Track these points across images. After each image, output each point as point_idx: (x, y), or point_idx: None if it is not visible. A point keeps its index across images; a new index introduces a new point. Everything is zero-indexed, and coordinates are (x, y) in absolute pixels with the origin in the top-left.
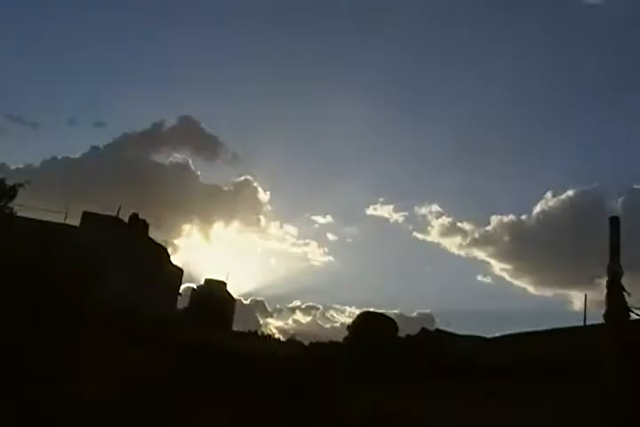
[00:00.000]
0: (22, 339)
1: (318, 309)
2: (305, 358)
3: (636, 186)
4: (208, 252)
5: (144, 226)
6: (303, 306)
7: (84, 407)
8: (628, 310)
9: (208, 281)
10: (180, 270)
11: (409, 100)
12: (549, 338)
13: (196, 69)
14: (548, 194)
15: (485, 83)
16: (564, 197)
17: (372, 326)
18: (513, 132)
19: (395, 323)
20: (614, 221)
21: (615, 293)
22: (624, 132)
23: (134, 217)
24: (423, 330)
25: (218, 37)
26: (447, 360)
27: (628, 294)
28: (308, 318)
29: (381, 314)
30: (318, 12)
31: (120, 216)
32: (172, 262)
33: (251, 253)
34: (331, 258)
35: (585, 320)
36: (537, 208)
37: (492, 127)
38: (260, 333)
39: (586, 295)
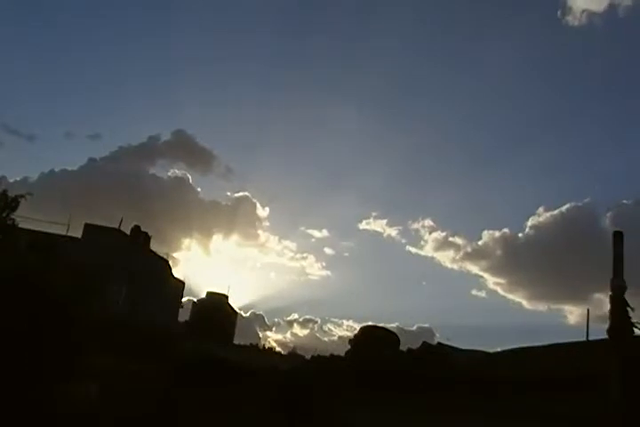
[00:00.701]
0: (21, 353)
1: (316, 322)
2: (307, 371)
3: (625, 201)
4: (206, 265)
5: (146, 238)
6: (301, 319)
7: (82, 422)
8: (632, 324)
9: (210, 294)
10: (182, 283)
11: (402, 116)
12: (551, 353)
13: (192, 84)
14: (541, 209)
15: (478, 101)
16: (556, 212)
17: (373, 339)
18: (504, 149)
19: (397, 337)
20: (618, 236)
21: (619, 307)
22: (614, 147)
23: (136, 229)
24: (425, 344)
25: (214, 52)
26: (449, 374)
27: (632, 309)
28: (306, 331)
29: (383, 328)
30: (313, 24)
31: (121, 228)
32: (173, 275)
33: (249, 266)
34: (328, 272)
35: (587, 335)
36: (530, 223)
37: (484, 144)
38: (261, 346)
39: (589, 310)
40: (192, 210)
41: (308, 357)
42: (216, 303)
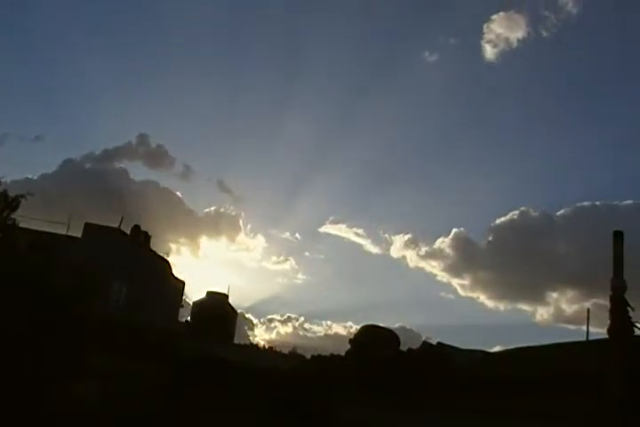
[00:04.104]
0: (21, 353)
1: (298, 319)
2: (307, 371)
3: (579, 204)
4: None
5: (146, 238)
6: (282, 318)
7: (82, 421)
8: (632, 324)
9: (210, 294)
10: (182, 283)
11: (357, 122)
12: (551, 353)
13: (157, 92)
14: (500, 211)
15: (436, 106)
16: (512, 214)
17: (373, 339)
18: (463, 152)
19: (397, 336)
20: (618, 235)
21: (619, 307)
22: (568, 153)
23: (136, 229)
24: (425, 344)
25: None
26: (449, 374)
27: (632, 309)
28: (289, 330)
29: (383, 328)
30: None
31: (121, 228)
32: (173, 275)
33: (229, 269)
34: (305, 275)
35: (587, 335)
36: (490, 225)
37: (442, 148)
38: (261, 346)
39: (589, 309)
40: (175, 215)
41: (307, 356)
42: (216, 303)
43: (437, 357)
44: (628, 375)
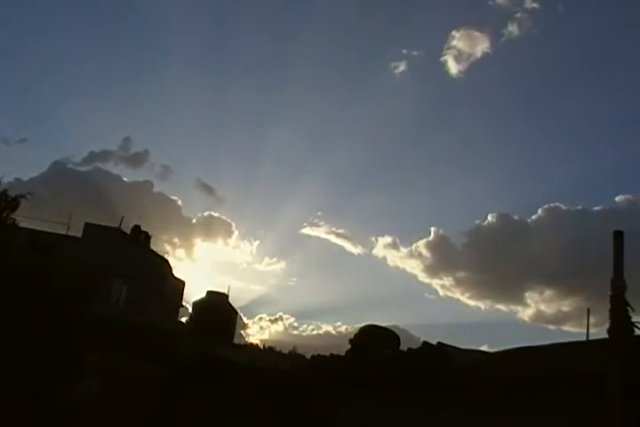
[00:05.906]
0: (22, 352)
1: (288, 319)
2: (307, 371)
3: (554, 205)
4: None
5: (146, 238)
6: (271, 318)
7: (82, 421)
8: (632, 324)
9: (210, 293)
10: (182, 282)
11: (338, 125)
12: (551, 352)
13: (140, 94)
14: (478, 212)
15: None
16: (491, 216)
17: (373, 339)
18: (442, 156)
19: (397, 336)
20: (618, 235)
21: (619, 307)
22: (545, 157)
23: (136, 229)
24: (425, 343)
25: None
26: (449, 374)
27: (632, 309)
28: (279, 329)
29: (383, 327)
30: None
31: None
32: (173, 275)
33: (221, 271)
34: (293, 276)
35: (587, 335)
36: (470, 227)
37: (421, 151)
38: (261, 346)
39: (589, 309)
40: (166, 220)
41: (307, 356)
42: (216, 303)
43: (437, 357)
44: (628, 375)
